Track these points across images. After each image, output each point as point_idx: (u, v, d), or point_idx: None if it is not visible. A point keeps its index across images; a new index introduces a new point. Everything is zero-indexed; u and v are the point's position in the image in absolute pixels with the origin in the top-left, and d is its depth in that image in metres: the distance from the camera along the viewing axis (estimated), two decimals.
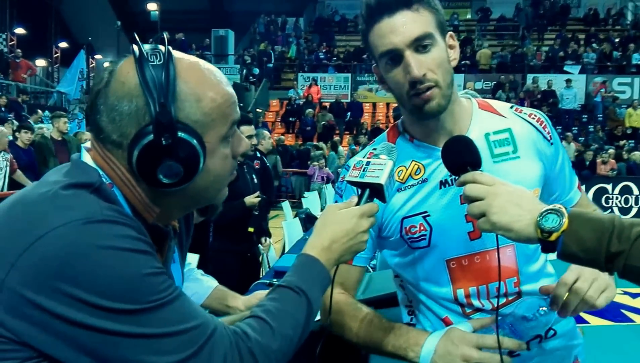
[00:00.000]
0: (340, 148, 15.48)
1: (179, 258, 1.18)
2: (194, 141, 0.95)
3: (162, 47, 0.96)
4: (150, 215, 1.01)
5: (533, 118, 1.46)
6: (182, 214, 1.13)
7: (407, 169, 1.41)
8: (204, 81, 0.98)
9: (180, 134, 0.93)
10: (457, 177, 1.34)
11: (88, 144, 1.02)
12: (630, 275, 1.04)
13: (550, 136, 1.45)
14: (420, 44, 1.29)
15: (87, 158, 0.99)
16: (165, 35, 0.97)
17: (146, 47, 0.96)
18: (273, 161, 13.78)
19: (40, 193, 0.91)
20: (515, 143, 1.41)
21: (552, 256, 1.32)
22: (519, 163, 1.40)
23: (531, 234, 1.10)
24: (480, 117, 1.43)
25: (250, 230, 4.16)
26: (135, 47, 0.95)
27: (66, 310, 0.84)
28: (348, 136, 16.95)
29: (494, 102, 1.50)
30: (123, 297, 0.86)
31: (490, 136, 1.41)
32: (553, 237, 1.07)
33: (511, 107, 1.48)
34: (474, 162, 1.21)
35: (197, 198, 1.05)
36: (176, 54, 0.99)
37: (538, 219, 1.09)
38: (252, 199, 4.13)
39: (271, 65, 21.62)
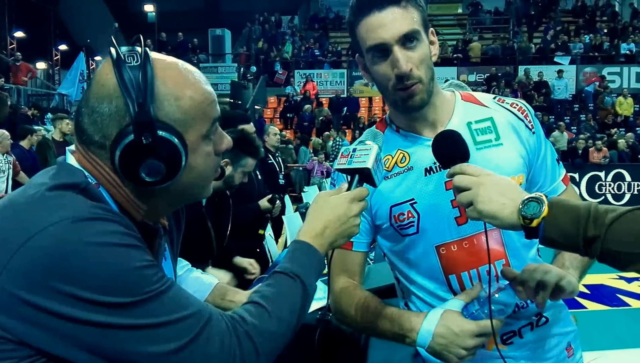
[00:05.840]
0: (331, 142, 16.04)
1: (171, 256, 1.19)
2: (175, 140, 0.96)
3: (139, 49, 0.96)
4: (137, 213, 1.02)
5: (515, 107, 1.49)
6: (169, 211, 1.15)
7: (392, 158, 1.46)
8: (182, 81, 0.99)
9: (160, 133, 0.94)
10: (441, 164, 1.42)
11: (73, 147, 1.03)
12: (607, 258, 1.09)
13: (532, 125, 1.48)
14: (408, 40, 1.33)
15: (72, 160, 1.00)
16: (141, 37, 1.01)
17: (123, 49, 0.97)
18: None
19: (27, 195, 0.92)
20: (497, 130, 1.45)
21: None
22: (502, 150, 1.43)
23: (514, 221, 1.15)
24: (463, 108, 1.48)
25: (261, 232, 4.21)
26: (112, 50, 0.96)
27: (61, 307, 0.85)
28: (342, 132, 17.23)
29: (477, 94, 1.55)
30: (117, 291, 0.87)
31: (473, 125, 1.45)
32: (534, 224, 1.12)
33: (494, 98, 1.53)
34: (462, 155, 1.27)
35: (182, 195, 1.06)
36: (154, 54, 0.99)
37: (520, 207, 1.14)
38: (266, 202, 4.19)
39: (278, 66, 21.70)
